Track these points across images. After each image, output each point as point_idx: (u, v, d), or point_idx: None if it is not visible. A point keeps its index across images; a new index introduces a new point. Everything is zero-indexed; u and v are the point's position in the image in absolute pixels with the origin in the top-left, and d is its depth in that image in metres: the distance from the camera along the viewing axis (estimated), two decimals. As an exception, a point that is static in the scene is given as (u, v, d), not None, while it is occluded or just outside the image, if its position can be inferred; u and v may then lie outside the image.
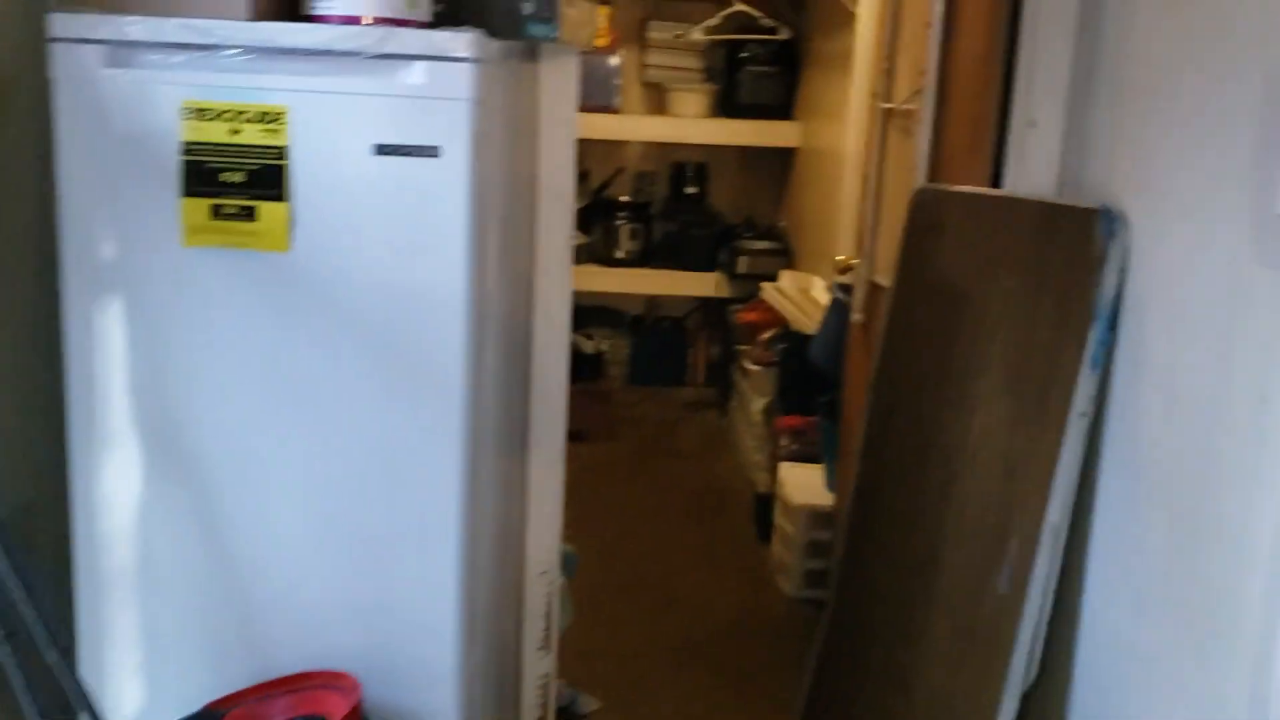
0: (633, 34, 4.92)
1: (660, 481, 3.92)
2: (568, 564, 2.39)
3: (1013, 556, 1.83)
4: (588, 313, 4.99)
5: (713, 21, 4.55)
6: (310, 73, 1.39)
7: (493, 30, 1.60)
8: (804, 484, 3.16)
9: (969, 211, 2.06)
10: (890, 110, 2.56)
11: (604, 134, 4.73)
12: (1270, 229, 1.35)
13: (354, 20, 1.40)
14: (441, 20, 1.56)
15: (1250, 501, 1.38)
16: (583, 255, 4.82)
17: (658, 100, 4.93)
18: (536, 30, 1.56)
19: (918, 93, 2.30)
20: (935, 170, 2.30)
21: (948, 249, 2.11)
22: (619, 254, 4.84)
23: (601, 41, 4.63)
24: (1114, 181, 1.80)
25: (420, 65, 1.38)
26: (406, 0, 1.41)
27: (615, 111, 4.67)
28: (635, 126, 4.86)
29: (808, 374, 3.29)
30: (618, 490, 3.80)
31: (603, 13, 4.64)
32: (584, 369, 4.48)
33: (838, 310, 2.98)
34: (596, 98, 4.63)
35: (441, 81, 1.39)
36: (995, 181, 2.09)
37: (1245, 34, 1.43)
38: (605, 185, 4.97)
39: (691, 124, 4.75)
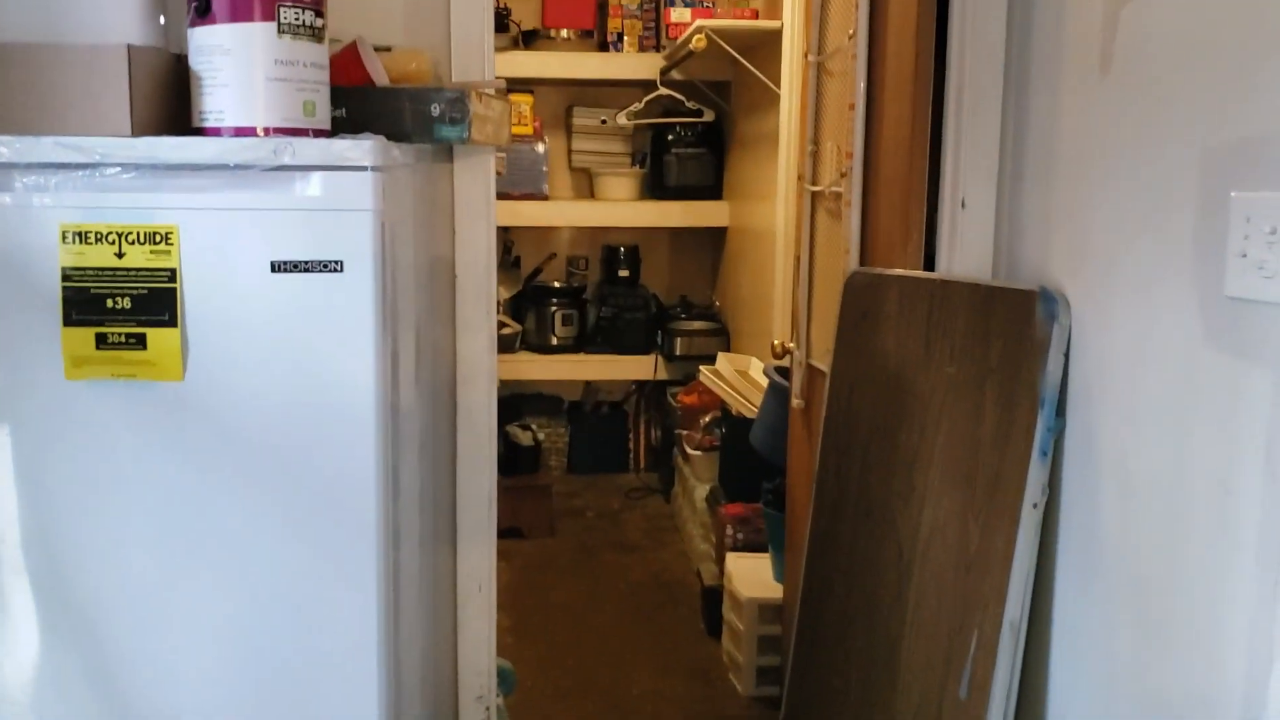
0: (558, 121, 4.89)
1: (604, 576, 3.79)
2: (504, 681, 2.26)
3: (972, 658, 1.74)
4: (524, 401, 4.88)
5: (637, 106, 4.54)
6: (201, 189, 1.29)
7: (400, 135, 1.52)
8: (752, 576, 3.06)
9: (904, 295, 2.01)
10: (818, 193, 2.52)
11: (534, 221, 4.68)
12: (1220, 311, 1.30)
13: (248, 131, 1.31)
14: (344, 127, 1.48)
15: (1217, 597, 1.31)
16: (517, 344, 4.73)
17: (586, 185, 4.89)
18: (446, 133, 1.48)
19: (844, 175, 2.26)
20: (867, 253, 2.25)
21: (885, 334, 2.05)
22: (553, 340, 4.75)
23: (526, 130, 4.60)
24: (1051, 262, 1.75)
25: (318, 176, 1.29)
26: (304, 108, 1.32)
27: (544, 198, 4.62)
28: (565, 212, 4.81)
29: (750, 459, 3.21)
30: (560, 589, 3.67)
31: (526, 101, 4.61)
32: (521, 461, 4.37)
33: (776, 395, 2.91)
34: (525, 185, 4.59)
35: (342, 192, 1.29)
36: (929, 263, 2.04)
37: (1179, 111, 1.39)
38: (537, 272, 4.90)
39: (621, 207, 4.72)
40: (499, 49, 4.48)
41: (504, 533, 4.21)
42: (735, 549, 3.29)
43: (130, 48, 1.26)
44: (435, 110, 1.48)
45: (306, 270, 1.30)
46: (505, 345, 4.70)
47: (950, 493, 1.84)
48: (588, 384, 5.10)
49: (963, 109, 1.89)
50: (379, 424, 1.34)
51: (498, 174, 4.67)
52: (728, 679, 3.04)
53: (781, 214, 3.40)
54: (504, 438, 4.49)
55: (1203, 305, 1.33)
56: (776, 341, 2.84)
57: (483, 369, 1.87)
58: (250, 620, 1.39)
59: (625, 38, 4.58)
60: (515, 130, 4.59)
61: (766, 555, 3.14)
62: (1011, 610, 1.69)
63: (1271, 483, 1.20)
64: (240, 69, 1.29)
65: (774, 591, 2.96)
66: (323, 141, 1.30)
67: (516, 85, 4.60)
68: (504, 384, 4.77)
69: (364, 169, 1.29)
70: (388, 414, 1.36)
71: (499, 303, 4.77)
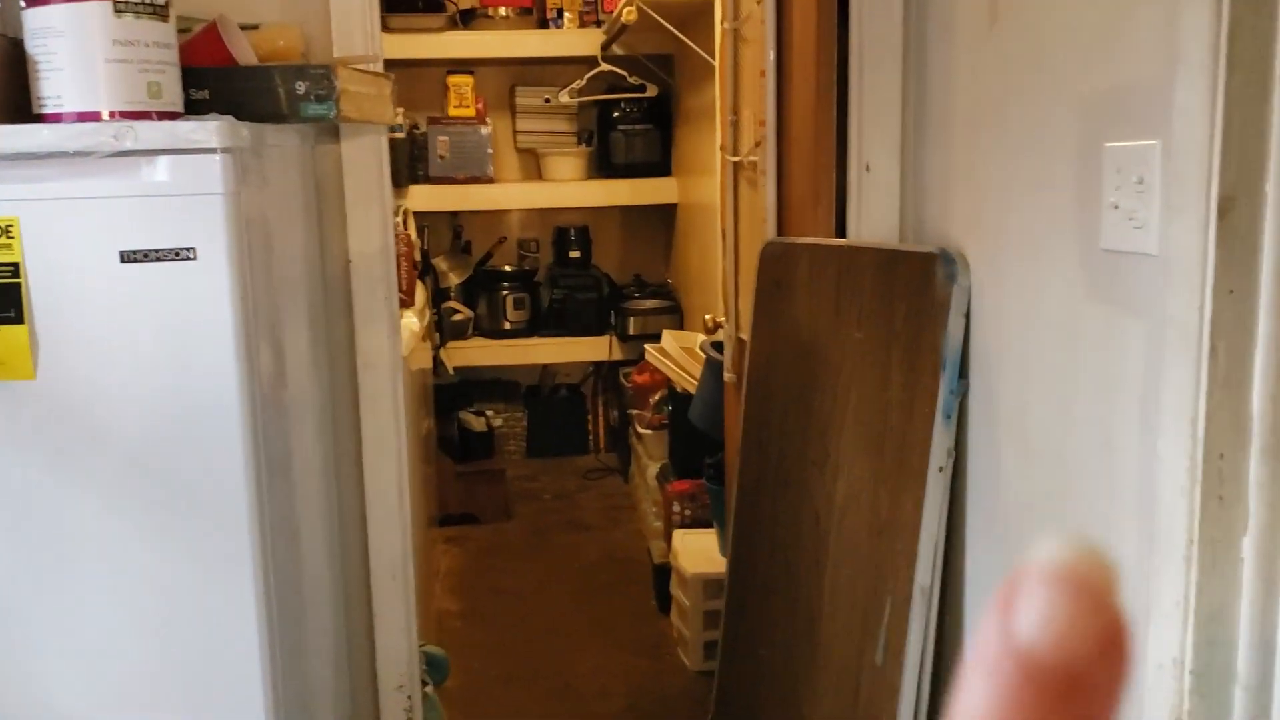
0: (502, 101, 4.83)
1: (559, 558, 3.76)
2: (438, 669, 2.23)
3: (886, 624, 1.72)
4: (480, 387, 4.84)
5: (579, 84, 4.48)
6: (41, 178, 1.25)
7: (273, 115, 1.48)
8: (698, 551, 3.04)
9: (815, 262, 1.98)
10: (738, 163, 2.48)
11: (481, 204, 4.63)
12: (1097, 265, 1.27)
13: (91, 116, 1.27)
14: (209, 109, 1.44)
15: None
16: (469, 329, 4.69)
17: (534, 166, 4.84)
18: (312, 110, 1.44)
19: (759, 144, 2.22)
20: (784, 221, 2.22)
21: (799, 302, 2.02)
22: (506, 325, 4.71)
23: (468, 112, 4.54)
24: (952, 222, 1.72)
25: (164, 160, 1.25)
26: (148, 89, 1.27)
27: (490, 181, 4.57)
28: (512, 195, 4.76)
29: (696, 436, 3.18)
30: (512, 572, 3.64)
31: (467, 82, 4.55)
32: (475, 447, 4.33)
33: (712, 370, 2.88)
34: (469, 168, 4.53)
35: (190, 176, 1.25)
36: (840, 230, 2.01)
37: (1058, 63, 1.36)
38: (488, 256, 4.85)
39: (569, 187, 4.66)
40: (435, 30, 4.42)
41: (458, 518, 4.19)
42: (683, 525, 3.27)
43: (-44, 34, 1.21)
44: (300, 88, 1.44)
45: (158, 259, 1.26)
46: (457, 331, 4.65)
47: (862, 459, 1.81)
48: (545, 367, 5.06)
49: (864, 70, 1.85)
50: (245, 415, 1.30)
51: (440, 158, 4.62)
52: (676, 654, 3.03)
53: (718, 187, 3.36)
54: (457, 424, 4.45)
55: (1082, 259, 1.31)
56: (708, 317, 2.80)
57: (385, 355, 1.83)
58: (124, 628, 1.35)
59: (565, 14, 4.52)
60: (456, 112, 4.54)
61: (713, 530, 3.11)
62: (921, 575, 1.66)
63: (1146, 437, 1.18)
64: (76, 51, 1.24)
65: (720, 566, 2.93)
66: (166, 124, 1.26)
67: (457, 66, 4.55)
68: (458, 370, 4.73)
69: (212, 151, 1.25)
70: (256, 404, 1.32)
71: (450, 289, 4.72)
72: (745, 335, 2.50)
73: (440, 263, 4.71)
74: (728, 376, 2.65)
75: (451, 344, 4.59)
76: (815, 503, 1.92)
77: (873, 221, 1.88)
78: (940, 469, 1.65)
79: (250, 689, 1.37)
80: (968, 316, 1.65)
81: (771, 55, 2.16)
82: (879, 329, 1.79)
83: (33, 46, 1.26)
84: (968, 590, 1.70)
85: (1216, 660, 1.11)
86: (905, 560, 1.69)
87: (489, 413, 4.67)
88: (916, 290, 1.71)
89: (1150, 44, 1.16)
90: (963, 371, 1.66)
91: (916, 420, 1.69)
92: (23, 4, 1.26)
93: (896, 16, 1.82)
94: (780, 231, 2.23)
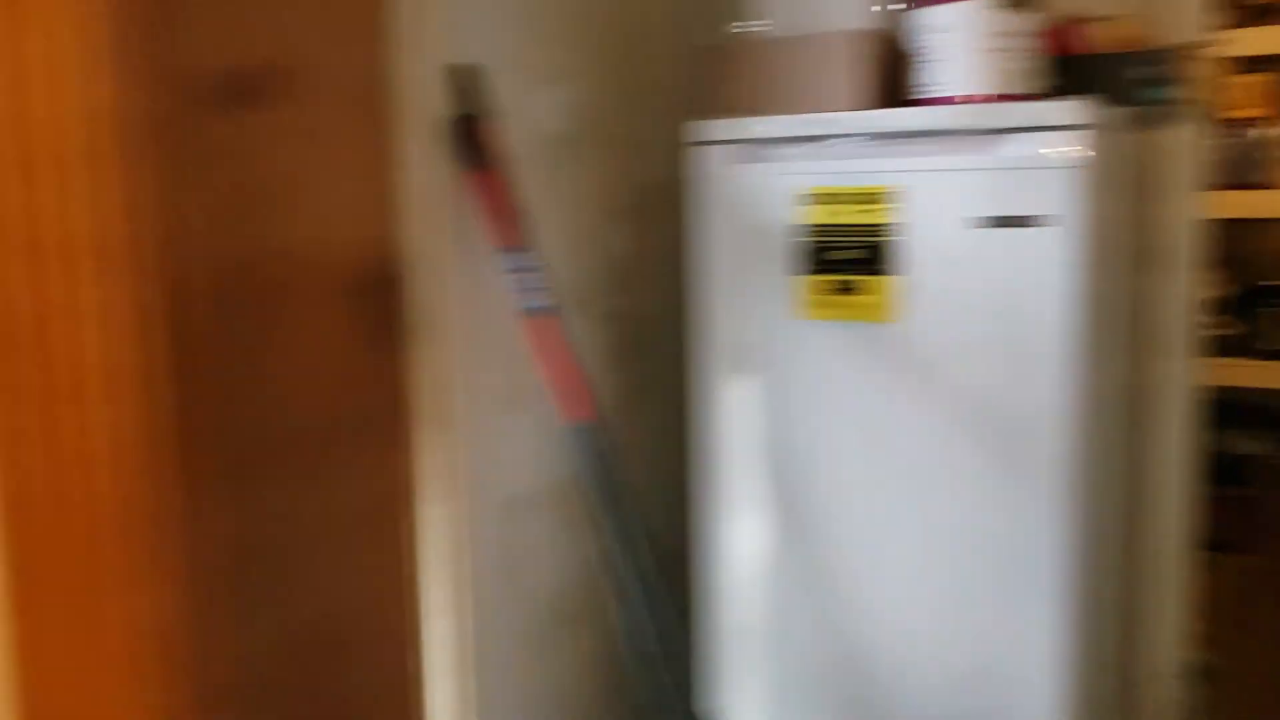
0: (1291, 104, 4.42)
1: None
2: (1204, 673, 2.17)
3: None
4: (1228, 409, 4.49)
5: None
6: (916, 153, 1.44)
7: (1108, 97, 1.55)
8: None
9: None
10: None
11: (1251, 213, 4.29)
12: None
13: (963, 99, 1.43)
14: (1058, 92, 1.55)
15: None
16: (1222, 347, 4.37)
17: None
18: (1150, 95, 1.49)
19: None
20: None
21: None
22: (1259, 344, 4.32)
23: (1254, 113, 4.23)
24: None
25: (1026, 137, 1.38)
26: (1013, 75, 1.41)
27: (1264, 188, 4.21)
28: (1294, 202, 4.34)
29: None
30: (1264, 606, 3.35)
31: (1256, 81, 4.24)
32: (1224, 472, 4.05)
33: None
34: (1238, 174, 4.23)
35: (1048, 152, 1.37)
36: None
37: None
38: (1259, 269, 4.48)
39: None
40: (1228, 26, 4.15)
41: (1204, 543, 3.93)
42: None
43: (858, 33, 1.45)
44: (1140, 73, 1.49)
45: (1014, 225, 1.39)
46: (1222, 349, 4.36)
47: None
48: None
49: None
50: (1075, 380, 1.40)
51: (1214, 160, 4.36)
52: None
53: None
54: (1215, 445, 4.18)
55: None
56: None
57: (1177, 349, 1.83)
58: (939, 531, 1.52)
59: None
60: (1241, 113, 4.25)
61: None
62: None
63: None
64: (957, 43, 1.42)
65: None
66: (1030, 104, 1.39)
67: (1256, 65, 4.24)
68: (1215, 389, 4.41)
69: (1072, 128, 1.36)
70: (1082, 367, 1.41)
71: (1210, 300, 4.43)
72: None
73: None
74: None
75: (1216, 361, 4.32)
76: None
77: None
78: None
79: (1055, 618, 1.46)
80: None
81: None
82: None
83: (917, 41, 1.46)
84: None
85: None
86: None
87: (1239, 436, 4.33)
88: None
89: None
90: None
91: None
92: (906, 6, 1.47)
93: None
94: None
